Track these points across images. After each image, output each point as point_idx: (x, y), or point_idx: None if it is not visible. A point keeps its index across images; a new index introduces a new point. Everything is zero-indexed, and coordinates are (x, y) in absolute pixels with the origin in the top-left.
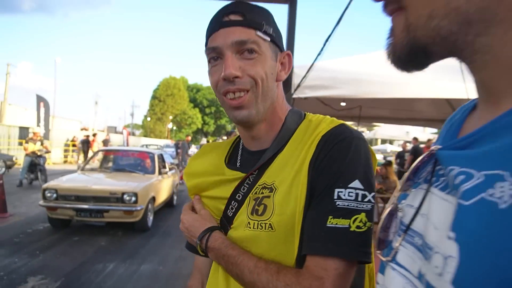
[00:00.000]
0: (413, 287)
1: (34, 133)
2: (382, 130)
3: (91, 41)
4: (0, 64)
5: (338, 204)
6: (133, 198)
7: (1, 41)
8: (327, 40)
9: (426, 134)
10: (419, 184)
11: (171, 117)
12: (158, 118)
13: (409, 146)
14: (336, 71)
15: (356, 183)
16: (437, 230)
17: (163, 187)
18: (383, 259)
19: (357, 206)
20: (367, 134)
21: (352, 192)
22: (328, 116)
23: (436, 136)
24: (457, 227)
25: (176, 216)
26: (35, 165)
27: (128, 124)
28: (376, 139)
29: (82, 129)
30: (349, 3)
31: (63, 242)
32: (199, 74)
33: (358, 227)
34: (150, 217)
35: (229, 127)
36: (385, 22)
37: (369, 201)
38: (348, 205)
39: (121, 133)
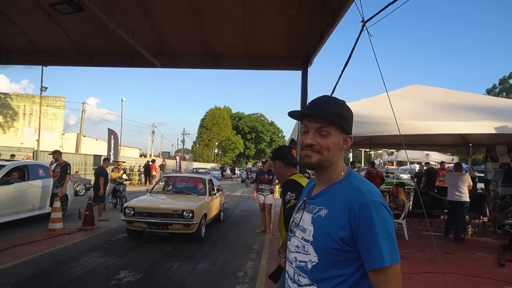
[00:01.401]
0: (300, 242)
1: (118, 163)
2: (402, 153)
3: (147, 80)
4: (74, 101)
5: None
6: (190, 215)
7: (75, 82)
8: (333, 91)
9: (442, 156)
10: (300, 209)
11: (216, 143)
12: (205, 144)
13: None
14: None
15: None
16: (307, 224)
17: (212, 205)
18: (290, 235)
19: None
20: (387, 157)
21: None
22: (295, 175)
23: (452, 157)
24: (312, 222)
25: (222, 229)
26: (116, 191)
27: (180, 150)
28: (401, 162)
29: (141, 156)
30: (346, 64)
31: (139, 247)
32: (241, 103)
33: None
34: (203, 230)
35: (268, 151)
36: (373, 75)
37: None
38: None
39: (174, 158)
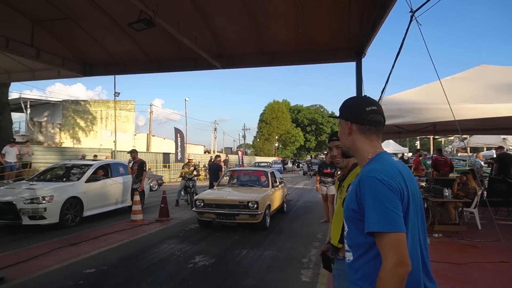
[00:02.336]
0: None
1: (189, 160)
2: (474, 138)
3: (207, 79)
4: (142, 104)
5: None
6: (255, 205)
7: (141, 85)
8: (387, 81)
9: None
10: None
11: (277, 137)
12: (266, 138)
13: None
14: (399, 103)
15: None
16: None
17: (275, 197)
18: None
19: None
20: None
21: None
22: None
23: None
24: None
25: (286, 219)
26: (187, 187)
27: (241, 145)
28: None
29: (205, 152)
30: (398, 54)
31: (210, 236)
32: (299, 96)
33: None
34: (268, 220)
35: None
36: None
37: None
38: None
39: (236, 153)
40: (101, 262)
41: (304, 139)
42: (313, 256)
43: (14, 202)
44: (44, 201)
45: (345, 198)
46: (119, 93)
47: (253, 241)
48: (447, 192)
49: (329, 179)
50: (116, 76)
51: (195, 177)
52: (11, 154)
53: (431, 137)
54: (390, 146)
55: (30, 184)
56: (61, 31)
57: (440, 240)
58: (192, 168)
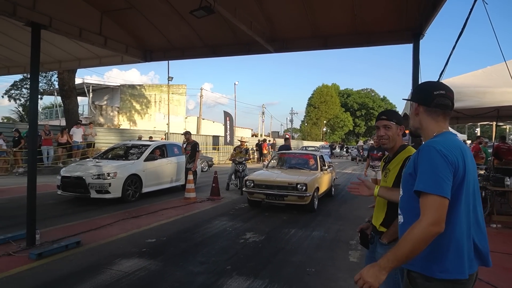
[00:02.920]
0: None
1: (241, 142)
2: None
3: (256, 63)
4: (193, 88)
5: None
6: (304, 187)
7: (193, 71)
8: (446, 63)
9: None
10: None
11: (325, 121)
12: (313, 122)
13: None
14: (459, 86)
15: None
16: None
17: (324, 180)
18: None
19: None
20: None
21: None
22: (410, 147)
23: None
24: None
25: (334, 203)
26: (237, 171)
27: (288, 129)
28: None
29: (253, 135)
30: (460, 34)
31: (259, 215)
32: (349, 80)
33: None
34: (316, 202)
35: None
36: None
37: None
38: None
39: (284, 137)
40: (160, 234)
41: (353, 124)
42: None
43: (83, 177)
44: (109, 177)
45: (406, 165)
46: (172, 78)
47: (301, 222)
48: (508, 181)
49: (378, 163)
50: (169, 61)
51: (246, 161)
52: (77, 135)
53: (494, 123)
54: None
55: (96, 162)
56: (126, 20)
57: (498, 230)
58: (243, 151)
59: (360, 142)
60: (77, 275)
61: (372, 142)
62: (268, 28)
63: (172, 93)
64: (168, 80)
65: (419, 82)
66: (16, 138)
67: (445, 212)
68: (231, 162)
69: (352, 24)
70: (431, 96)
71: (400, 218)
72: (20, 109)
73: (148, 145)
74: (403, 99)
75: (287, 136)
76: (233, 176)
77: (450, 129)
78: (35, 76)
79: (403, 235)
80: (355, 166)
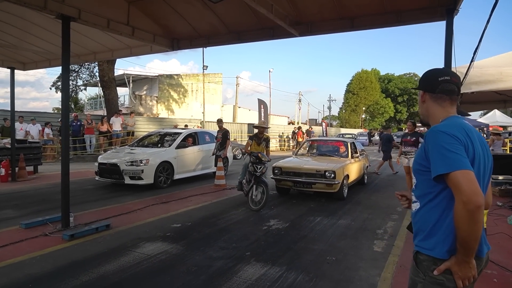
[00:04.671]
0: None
1: (260, 129)
2: None
3: (292, 48)
4: (230, 76)
5: None
6: (332, 175)
7: (231, 59)
8: (480, 39)
9: None
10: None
11: (364, 108)
12: (352, 109)
13: None
14: (500, 65)
15: None
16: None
17: (355, 168)
18: None
19: None
20: None
21: None
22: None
23: None
24: None
25: (365, 191)
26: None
27: (326, 116)
28: None
29: (289, 123)
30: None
31: (286, 203)
32: (390, 64)
33: None
34: (345, 190)
35: None
36: None
37: None
38: None
39: (321, 124)
40: (186, 219)
41: (395, 110)
42: (389, 228)
43: (118, 164)
44: (141, 164)
45: (416, 154)
46: (207, 66)
47: (328, 210)
48: None
49: (411, 150)
50: (206, 50)
51: (265, 160)
52: (116, 124)
53: None
54: (496, 117)
55: (131, 149)
56: (152, 9)
57: None
58: (263, 143)
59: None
60: (103, 256)
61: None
62: (292, 11)
63: (209, 82)
64: (203, 69)
65: (452, 62)
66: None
67: (476, 183)
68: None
69: (380, 3)
70: (436, 83)
71: (416, 206)
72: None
73: (180, 133)
74: (412, 89)
75: (299, 126)
76: (246, 177)
77: (499, 113)
78: (66, 67)
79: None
80: (393, 154)
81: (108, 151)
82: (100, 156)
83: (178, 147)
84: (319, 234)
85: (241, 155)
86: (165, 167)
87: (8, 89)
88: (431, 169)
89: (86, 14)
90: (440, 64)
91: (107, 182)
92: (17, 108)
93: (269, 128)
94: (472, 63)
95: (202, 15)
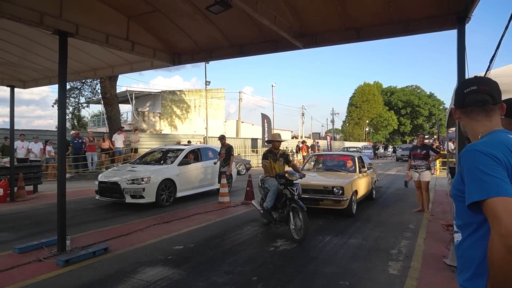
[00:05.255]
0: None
1: (275, 143)
2: None
3: (296, 63)
4: (233, 91)
5: None
6: (340, 191)
7: (233, 74)
8: (497, 47)
9: None
10: None
11: (367, 121)
12: (355, 122)
13: None
14: None
15: None
16: None
17: (363, 183)
18: None
19: None
20: None
21: None
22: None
23: None
24: None
25: (374, 207)
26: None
27: (330, 130)
28: None
29: (293, 137)
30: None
31: None
32: (392, 77)
33: None
34: (354, 206)
35: (426, 125)
36: None
37: None
38: None
39: (325, 138)
40: (189, 240)
41: (398, 123)
42: (404, 248)
43: (119, 183)
44: (143, 182)
45: (454, 179)
46: (209, 82)
47: (338, 228)
48: None
49: (421, 163)
50: (209, 66)
51: (295, 178)
52: (119, 141)
53: None
54: None
55: (132, 167)
56: (152, 24)
57: None
58: (281, 159)
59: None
60: (99, 284)
61: (416, 142)
62: (295, 23)
63: (211, 97)
64: (206, 85)
65: (465, 72)
66: None
67: None
68: (263, 176)
69: (386, 12)
70: (462, 95)
71: (457, 237)
72: (70, 116)
73: (182, 149)
74: (451, 108)
75: (303, 140)
76: (269, 202)
77: None
78: (63, 84)
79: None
80: (400, 167)
81: (109, 169)
82: (100, 175)
83: (180, 163)
84: (330, 255)
85: (245, 170)
86: (167, 185)
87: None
88: (465, 195)
89: (84, 29)
90: (445, 76)
91: (108, 201)
92: (23, 126)
93: (283, 141)
94: (488, 71)
95: (203, 28)
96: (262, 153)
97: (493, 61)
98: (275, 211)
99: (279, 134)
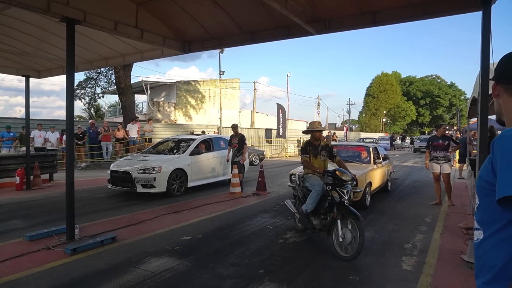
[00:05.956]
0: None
1: (315, 134)
2: None
3: (311, 52)
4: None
5: None
6: (354, 183)
7: (248, 64)
8: None
9: None
10: None
11: (384, 112)
12: (372, 113)
13: None
14: None
15: None
16: None
17: (378, 174)
18: None
19: None
20: None
21: None
22: None
23: None
24: None
25: (390, 199)
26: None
27: (346, 121)
28: None
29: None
30: None
31: None
32: (411, 67)
33: None
34: (368, 198)
35: (446, 116)
36: None
37: None
38: None
39: (342, 129)
40: (197, 230)
41: (417, 114)
42: (418, 243)
43: (130, 172)
44: (154, 172)
45: (481, 168)
46: (223, 72)
47: None
48: None
49: (442, 155)
50: (224, 57)
51: (348, 178)
52: (133, 130)
53: None
54: None
55: (144, 156)
56: (161, 10)
57: None
58: (323, 152)
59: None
60: (104, 273)
61: (435, 133)
62: (308, 7)
63: (226, 87)
64: (220, 74)
65: (490, 59)
66: (81, 135)
67: None
68: (303, 173)
69: None
70: (510, 70)
71: (478, 234)
72: (86, 106)
73: (194, 139)
74: (491, 79)
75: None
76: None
77: None
78: (70, 72)
79: None
80: (417, 159)
81: (121, 159)
82: (113, 164)
83: (192, 153)
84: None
85: (258, 161)
86: (179, 175)
87: (34, 98)
88: (496, 188)
89: (92, 16)
90: (467, 66)
91: (120, 191)
92: (43, 116)
93: (323, 130)
94: None
95: (213, 15)
96: (300, 147)
97: None
98: (315, 217)
99: (319, 122)
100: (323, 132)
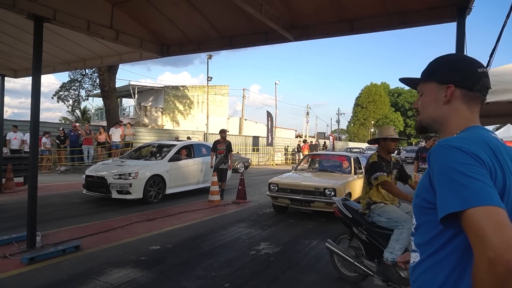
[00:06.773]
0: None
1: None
2: None
3: (302, 62)
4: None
5: None
6: (332, 193)
7: (239, 72)
8: (496, 43)
9: None
10: None
11: (373, 122)
12: (361, 123)
13: None
14: None
15: None
16: None
17: (358, 185)
18: None
19: None
20: None
21: None
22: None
23: None
24: None
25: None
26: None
27: (335, 130)
28: None
29: (296, 136)
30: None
31: (282, 222)
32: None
33: None
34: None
35: None
36: None
37: None
38: None
39: (328, 138)
40: (168, 240)
41: (404, 125)
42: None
43: (105, 177)
44: (130, 177)
45: (418, 184)
46: (211, 78)
47: (328, 232)
48: None
49: None
50: (216, 64)
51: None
52: (116, 135)
53: None
54: (510, 132)
55: (121, 161)
56: (138, 12)
57: None
58: (394, 173)
59: (422, 143)
60: (59, 285)
61: (424, 144)
62: (285, 13)
63: (215, 94)
64: (208, 80)
65: None
66: (62, 137)
67: (510, 228)
68: (365, 204)
69: (382, 3)
70: (476, 75)
71: (414, 257)
72: (70, 109)
73: (174, 145)
74: (400, 79)
75: (305, 139)
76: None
77: None
78: (37, 72)
79: None
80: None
81: (98, 163)
82: (89, 168)
83: (171, 159)
84: (313, 262)
85: (243, 168)
86: (156, 181)
87: (23, 99)
88: (437, 205)
89: (62, 15)
90: None
91: (95, 196)
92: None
93: (402, 140)
94: (488, 67)
95: (190, 18)
96: (370, 162)
97: (493, 56)
98: (371, 261)
99: (394, 128)
100: (309, 140)
